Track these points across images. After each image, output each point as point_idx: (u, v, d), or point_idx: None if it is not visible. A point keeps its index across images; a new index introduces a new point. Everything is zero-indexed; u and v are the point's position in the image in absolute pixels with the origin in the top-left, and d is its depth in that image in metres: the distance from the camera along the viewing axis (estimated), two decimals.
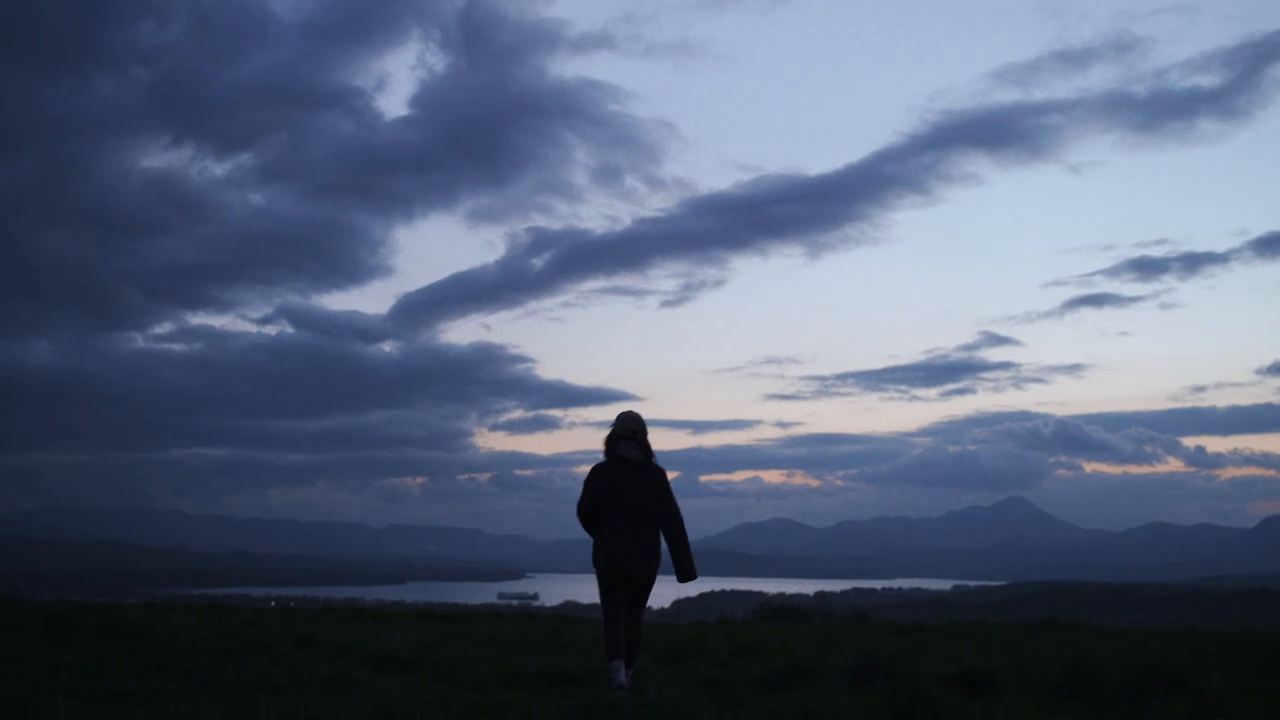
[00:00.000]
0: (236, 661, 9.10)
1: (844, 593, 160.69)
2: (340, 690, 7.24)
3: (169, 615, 17.71)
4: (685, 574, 8.42)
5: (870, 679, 7.74)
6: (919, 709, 5.83)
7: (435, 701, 6.76)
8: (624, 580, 8.20)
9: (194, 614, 18.51)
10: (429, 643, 11.50)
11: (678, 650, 10.37)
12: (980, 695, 7.24)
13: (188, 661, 8.98)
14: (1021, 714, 6.12)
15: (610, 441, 8.44)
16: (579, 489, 8.52)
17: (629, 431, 8.42)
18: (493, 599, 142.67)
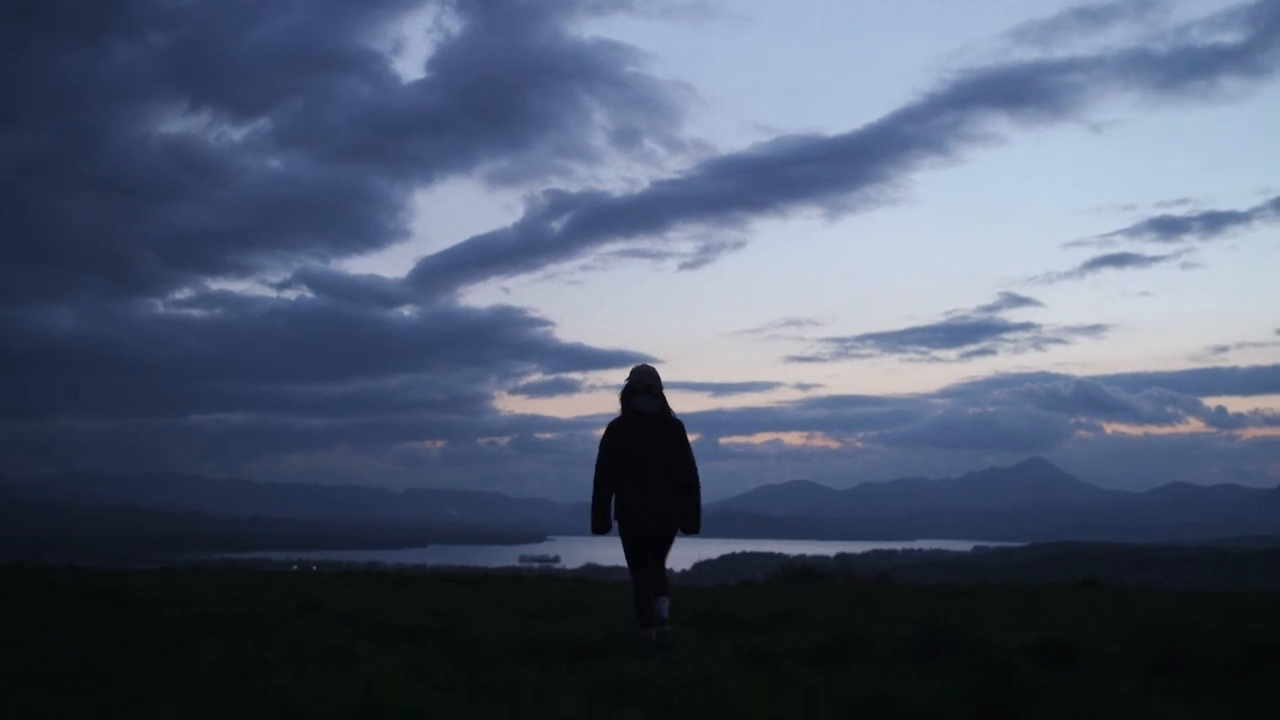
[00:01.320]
0: (229, 632, 8.29)
1: (864, 554, 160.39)
2: (337, 665, 6.39)
3: (177, 581, 17.01)
4: (692, 527, 8.20)
5: (933, 651, 6.83)
6: (1008, 690, 4.93)
7: (440, 679, 5.91)
8: (649, 536, 8.02)
9: (204, 579, 17.82)
10: (443, 609, 10.67)
11: (708, 616, 9.51)
12: (1066, 669, 6.37)
13: (177, 632, 8.20)
14: (1134, 694, 5.21)
15: (625, 396, 8.24)
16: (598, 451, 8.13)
17: (644, 385, 8.20)
18: (513, 562, 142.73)
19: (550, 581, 19.78)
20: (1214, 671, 6.31)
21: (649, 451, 7.99)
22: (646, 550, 8.03)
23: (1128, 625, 9.09)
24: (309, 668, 6.29)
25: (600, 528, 8.17)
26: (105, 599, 11.64)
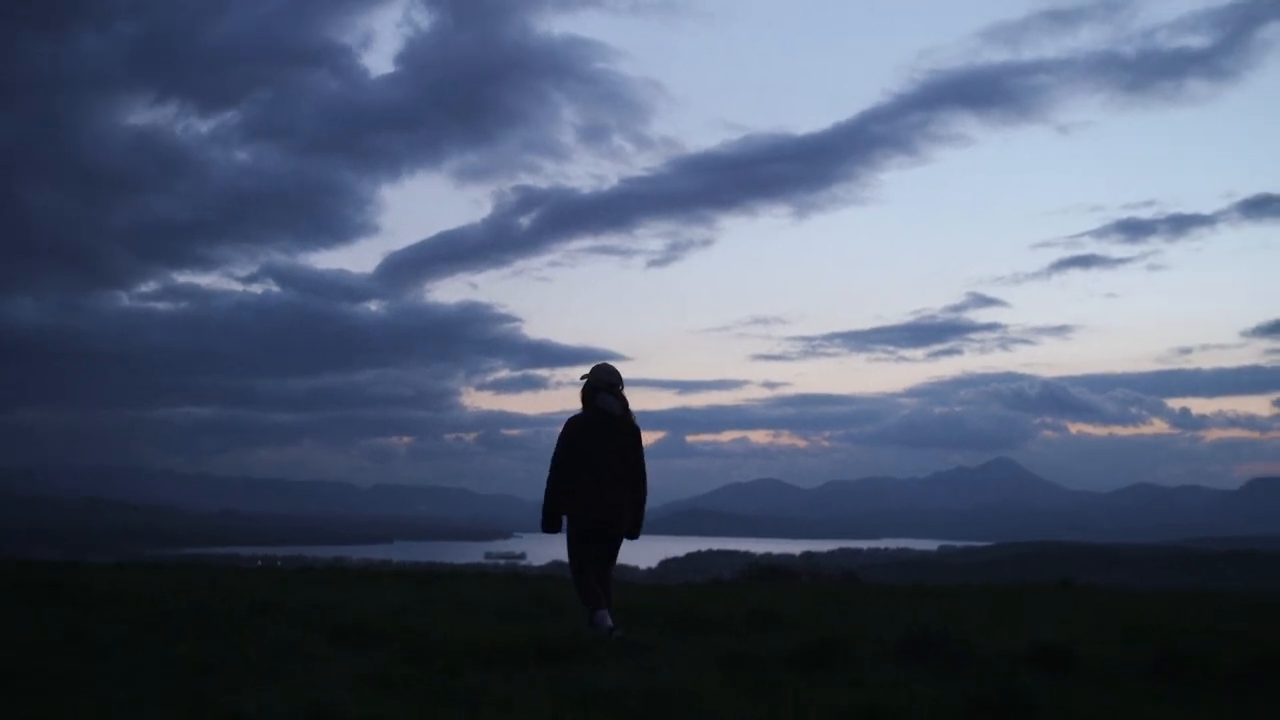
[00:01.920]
0: (174, 632, 7.79)
1: (831, 553, 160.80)
2: (284, 669, 5.93)
3: (131, 576, 16.44)
4: (633, 531, 8.25)
5: (922, 656, 6.46)
6: (1011, 698, 4.55)
7: (397, 685, 5.47)
8: (601, 534, 8.08)
9: (159, 574, 17.24)
10: (405, 607, 10.21)
11: (682, 618, 9.10)
12: (1063, 674, 6.00)
13: (118, 631, 7.70)
14: (1141, 700, 4.85)
15: (587, 394, 8.24)
16: None
17: (607, 384, 8.23)
18: (480, 559, 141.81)
19: (516, 579, 19.30)
20: (1218, 676, 5.97)
21: (607, 449, 8.02)
22: (592, 549, 8.07)
23: (1117, 627, 8.78)
24: (254, 671, 5.83)
25: (552, 526, 8.16)
26: (48, 595, 11.10)
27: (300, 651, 6.51)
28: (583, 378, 8.26)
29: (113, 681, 5.52)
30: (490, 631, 8.06)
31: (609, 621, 7.72)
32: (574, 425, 8.10)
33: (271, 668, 6.00)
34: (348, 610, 9.86)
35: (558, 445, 8.11)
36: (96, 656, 6.34)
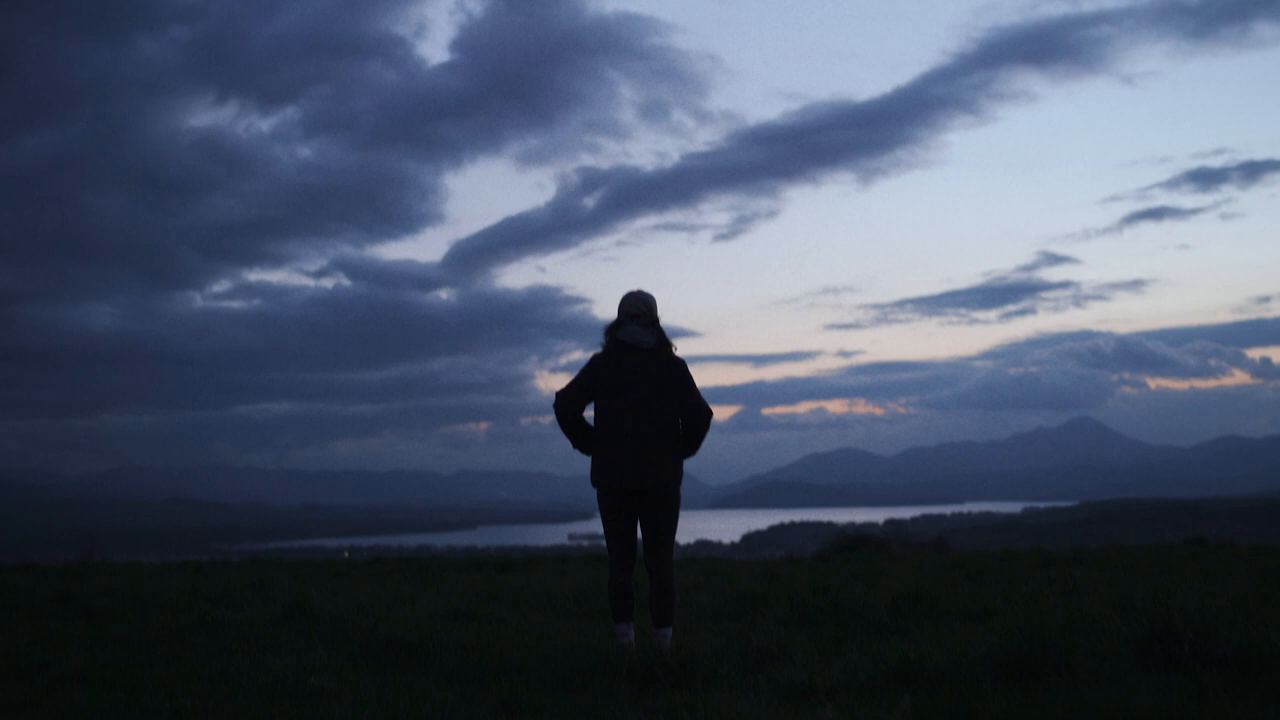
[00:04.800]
0: (167, 657, 6.14)
1: (914, 519, 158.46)
2: (269, 715, 4.20)
3: (174, 576, 15.03)
4: (684, 452, 6.21)
5: (1172, 656, 4.54)
6: None
7: None
8: (632, 502, 6.09)
9: (212, 573, 15.85)
10: (463, 608, 8.47)
11: (811, 610, 7.27)
12: None
13: (99, 656, 6.10)
14: None
15: (611, 329, 6.28)
16: None
17: (631, 313, 6.27)
18: (563, 540, 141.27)
19: (599, 562, 17.58)
20: None
21: (636, 392, 6.06)
22: (629, 522, 6.16)
23: None
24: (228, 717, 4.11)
25: (583, 445, 6.28)
26: (63, 605, 9.61)
27: (300, 686, 4.74)
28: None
29: None
30: (563, 639, 6.29)
31: (631, 637, 6.00)
32: (593, 364, 6.20)
33: (260, 712, 4.25)
34: (396, 613, 8.18)
35: (579, 373, 6.23)
36: (45, 694, 4.64)
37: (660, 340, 6.21)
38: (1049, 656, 4.54)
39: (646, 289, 6.36)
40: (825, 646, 5.81)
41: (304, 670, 5.06)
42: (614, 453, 6.04)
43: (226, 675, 5.15)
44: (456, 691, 4.79)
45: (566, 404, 6.19)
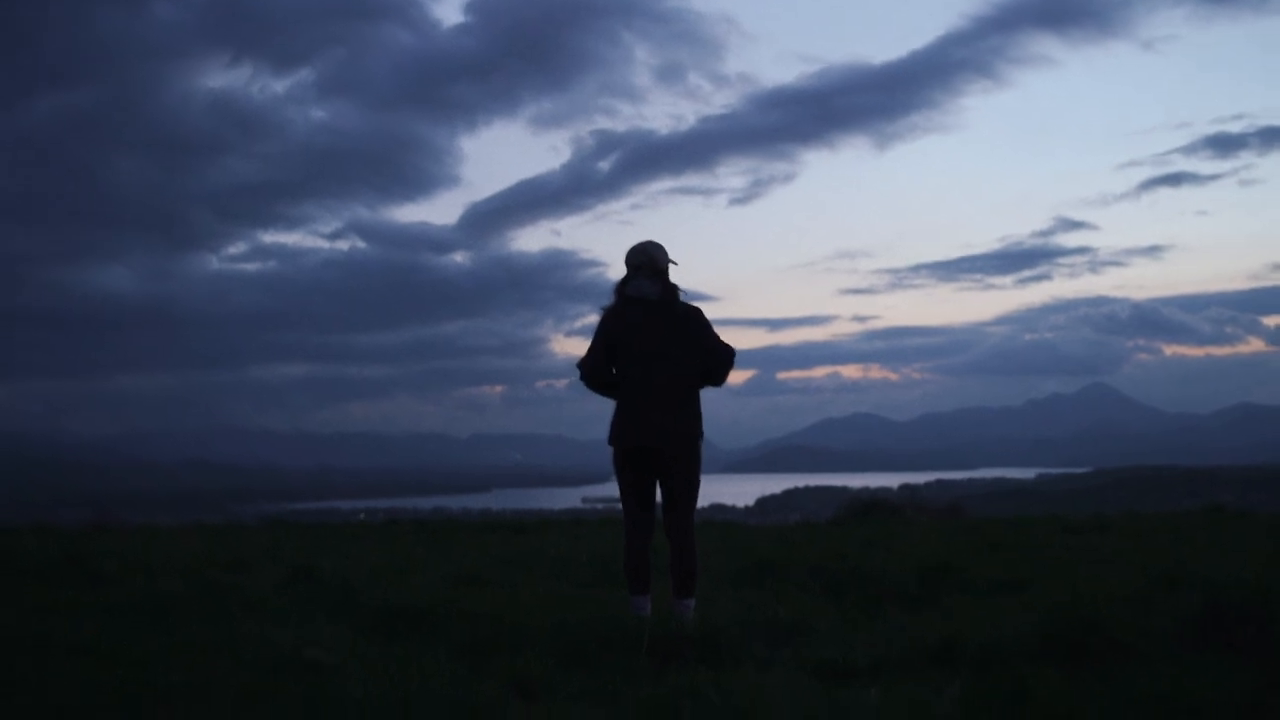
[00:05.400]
0: (170, 625, 5.90)
1: (928, 485, 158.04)
2: (261, 699, 3.92)
3: (193, 537, 14.85)
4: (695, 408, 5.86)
5: (1227, 640, 4.24)
6: None
7: None
8: (646, 462, 5.79)
9: (228, 535, 15.67)
10: (477, 573, 8.23)
11: (835, 577, 7.00)
12: None
13: (101, 624, 5.87)
14: None
15: (620, 284, 6.06)
16: None
17: (635, 264, 6.01)
18: (577, 503, 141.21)
19: (612, 526, 17.34)
20: None
21: (645, 345, 5.81)
22: (647, 485, 5.87)
23: None
24: (216, 702, 3.83)
25: (607, 390, 5.98)
26: (73, 568, 9.39)
27: (299, 662, 4.46)
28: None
29: None
30: (577, 606, 6.02)
31: (647, 610, 5.71)
32: (607, 315, 5.97)
33: (249, 692, 3.98)
34: (404, 580, 7.94)
35: (593, 340, 5.96)
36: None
37: (666, 291, 5.92)
38: (1097, 636, 4.25)
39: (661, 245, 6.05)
40: (854, 619, 5.53)
41: (305, 642, 4.79)
42: (625, 410, 5.82)
43: (227, 646, 4.89)
44: (466, 665, 4.53)
45: (591, 369, 5.96)
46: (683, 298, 5.96)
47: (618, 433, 5.82)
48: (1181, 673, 3.76)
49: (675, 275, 6.04)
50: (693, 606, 5.72)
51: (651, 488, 5.89)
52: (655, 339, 5.79)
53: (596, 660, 4.60)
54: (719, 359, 5.88)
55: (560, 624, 5.33)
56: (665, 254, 6.03)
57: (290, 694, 3.91)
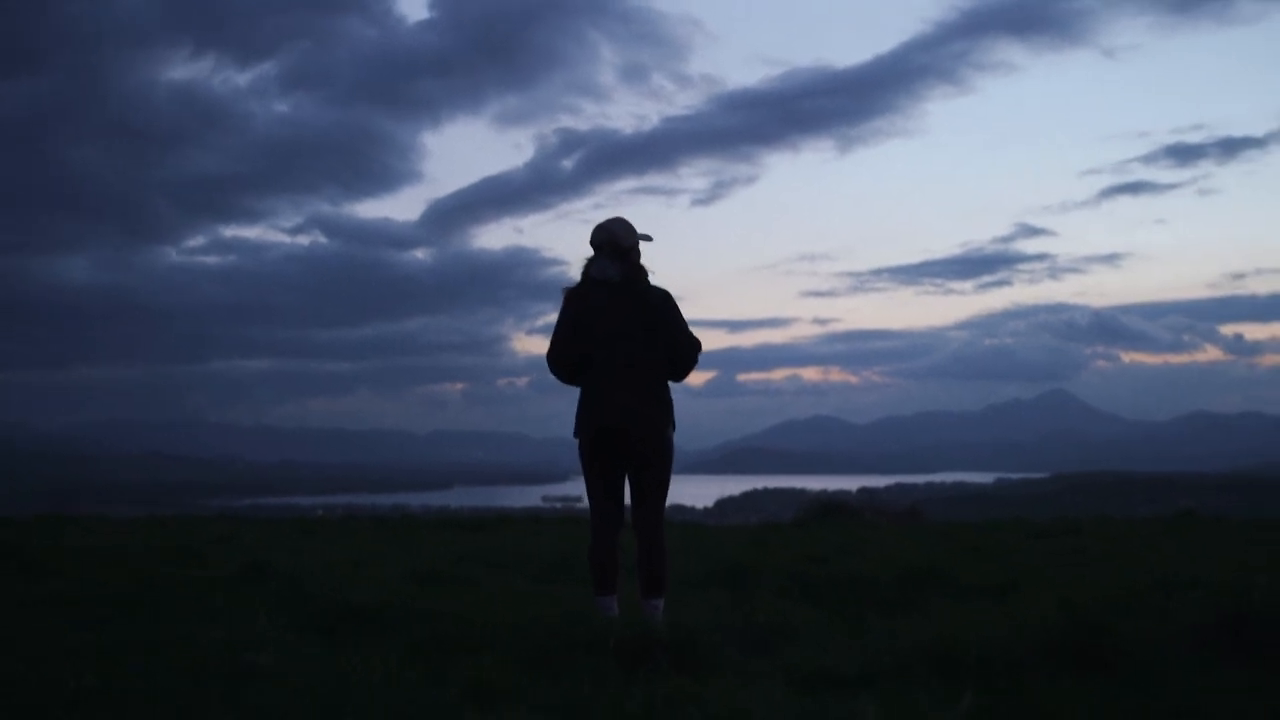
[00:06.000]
0: (96, 620, 5.47)
1: (887, 488, 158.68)
2: (182, 708, 3.50)
3: (147, 530, 14.37)
4: (665, 396, 5.51)
5: (1247, 649, 3.91)
6: None
7: None
8: (614, 452, 5.39)
9: (181, 527, 15.16)
10: (434, 571, 7.80)
11: (811, 581, 6.65)
12: None
13: (21, 619, 5.43)
14: None
15: (585, 265, 5.63)
16: None
17: (595, 244, 5.61)
18: (537, 502, 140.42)
19: (573, 524, 16.96)
20: None
21: (605, 331, 5.40)
22: (614, 478, 5.47)
23: None
24: (133, 705, 3.42)
25: (574, 377, 5.55)
26: (9, 557, 8.89)
27: (234, 665, 4.05)
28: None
29: None
30: (537, 606, 5.65)
31: (614, 611, 5.35)
32: (569, 297, 5.57)
33: (185, 701, 3.57)
34: (360, 576, 7.53)
35: (557, 321, 5.56)
36: None
37: (630, 271, 5.51)
38: (1108, 643, 3.92)
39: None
40: (836, 624, 5.18)
41: (244, 642, 4.38)
42: (587, 398, 5.43)
43: (159, 645, 4.47)
44: (420, 669, 4.14)
45: (557, 355, 5.51)
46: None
47: (583, 418, 5.43)
48: (1206, 685, 3.45)
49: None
50: (662, 608, 5.35)
51: (621, 480, 5.49)
52: (618, 321, 5.41)
53: (561, 665, 4.23)
54: (684, 350, 5.50)
55: (522, 624, 4.94)
56: (631, 231, 5.60)
57: (215, 701, 3.50)
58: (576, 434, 5.47)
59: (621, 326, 5.40)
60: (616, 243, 5.55)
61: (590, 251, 5.62)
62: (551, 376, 5.62)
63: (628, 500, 5.57)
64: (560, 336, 5.51)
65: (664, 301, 5.52)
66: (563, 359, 5.50)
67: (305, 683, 3.79)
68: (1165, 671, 3.70)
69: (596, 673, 4.07)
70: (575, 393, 5.56)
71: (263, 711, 3.44)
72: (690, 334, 5.53)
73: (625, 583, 5.55)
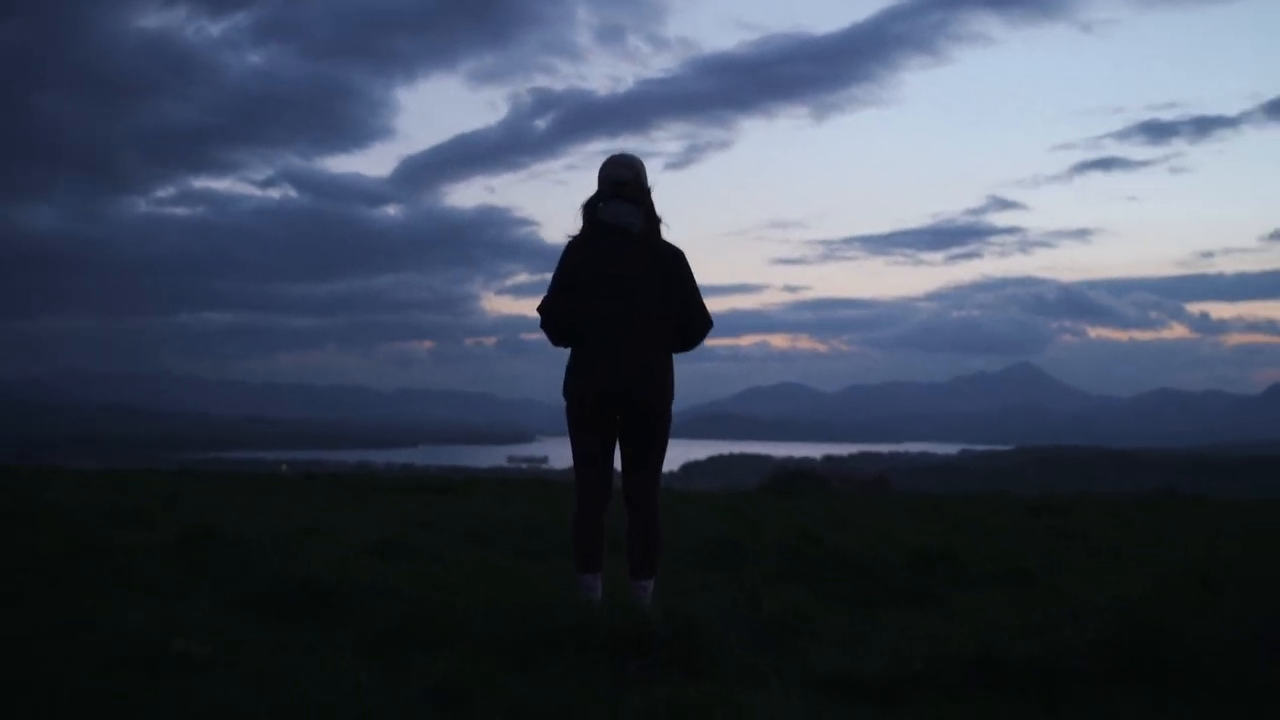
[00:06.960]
0: (6, 596, 4.87)
1: (851, 456, 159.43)
2: (95, 708, 2.94)
3: (93, 484, 13.69)
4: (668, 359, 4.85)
5: None
6: None
7: None
8: (610, 414, 4.72)
9: (125, 483, 14.49)
10: (395, 540, 7.18)
11: (797, 558, 6.13)
12: None
13: None
14: None
15: (589, 206, 4.84)
16: None
17: (616, 180, 4.80)
18: (502, 462, 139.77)
19: (544, 487, 16.37)
20: None
21: (617, 285, 4.68)
22: (605, 443, 4.80)
23: None
24: (38, 704, 2.86)
25: (568, 335, 4.82)
26: None
27: (167, 654, 3.47)
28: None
29: None
30: (509, 585, 5.10)
31: (598, 592, 4.74)
32: (573, 247, 4.82)
33: (98, 685, 3.01)
34: (315, 545, 6.92)
35: (554, 274, 4.83)
36: None
37: (649, 220, 4.79)
38: (1167, 649, 3.41)
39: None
40: (849, 616, 4.65)
41: (177, 627, 3.79)
42: (590, 353, 4.72)
43: (71, 630, 3.89)
44: (378, 663, 3.58)
45: (550, 309, 4.79)
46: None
47: (585, 376, 4.73)
48: None
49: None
50: (651, 589, 4.79)
51: (610, 447, 4.84)
52: (635, 272, 4.70)
53: (543, 658, 3.69)
54: (698, 320, 4.87)
55: (496, 607, 4.38)
56: (646, 172, 4.89)
57: (133, 700, 2.93)
58: (566, 394, 4.82)
59: (638, 279, 4.71)
60: (638, 181, 4.84)
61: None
62: (541, 334, 4.91)
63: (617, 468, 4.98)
64: (555, 287, 4.81)
65: (683, 262, 4.85)
66: (558, 312, 4.79)
67: (243, 677, 3.22)
68: (1243, 687, 3.19)
69: (583, 669, 3.53)
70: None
71: (194, 714, 2.89)
72: (705, 309, 4.90)
73: (611, 560, 5.01)
